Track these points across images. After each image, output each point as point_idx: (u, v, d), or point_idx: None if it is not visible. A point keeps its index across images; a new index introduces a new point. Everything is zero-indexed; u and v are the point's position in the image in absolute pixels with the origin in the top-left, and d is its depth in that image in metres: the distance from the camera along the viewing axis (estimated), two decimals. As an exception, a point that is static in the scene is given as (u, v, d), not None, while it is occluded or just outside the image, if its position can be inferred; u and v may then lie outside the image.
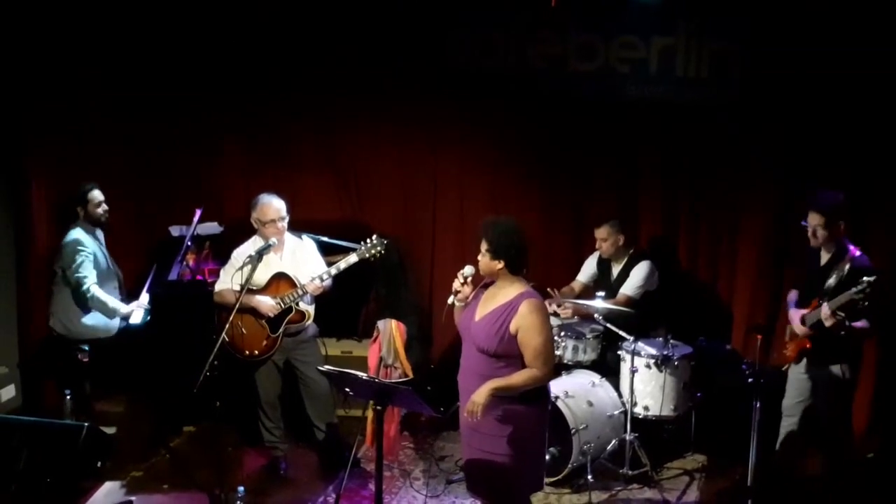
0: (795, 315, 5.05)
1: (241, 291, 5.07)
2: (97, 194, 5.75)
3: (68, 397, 5.67)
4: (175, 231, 6.39)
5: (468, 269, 4.20)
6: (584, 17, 6.23)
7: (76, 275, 5.59)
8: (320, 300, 5.52)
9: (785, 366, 5.12)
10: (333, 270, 5.35)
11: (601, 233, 6.03)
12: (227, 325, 5.03)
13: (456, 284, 4.19)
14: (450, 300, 4.24)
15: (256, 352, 5.37)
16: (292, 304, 5.32)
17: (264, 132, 6.87)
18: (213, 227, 6.46)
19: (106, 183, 6.02)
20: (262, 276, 5.31)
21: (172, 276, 5.97)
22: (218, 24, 6.52)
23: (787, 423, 5.14)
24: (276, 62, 6.67)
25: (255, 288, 5.29)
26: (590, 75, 6.31)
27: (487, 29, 6.40)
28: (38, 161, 6.17)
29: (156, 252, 6.48)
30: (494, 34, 6.40)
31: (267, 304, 5.29)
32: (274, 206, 5.32)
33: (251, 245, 5.37)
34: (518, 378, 3.99)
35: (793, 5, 5.75)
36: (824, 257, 4.95)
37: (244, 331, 5.34)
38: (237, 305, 5.02)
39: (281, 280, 5.36)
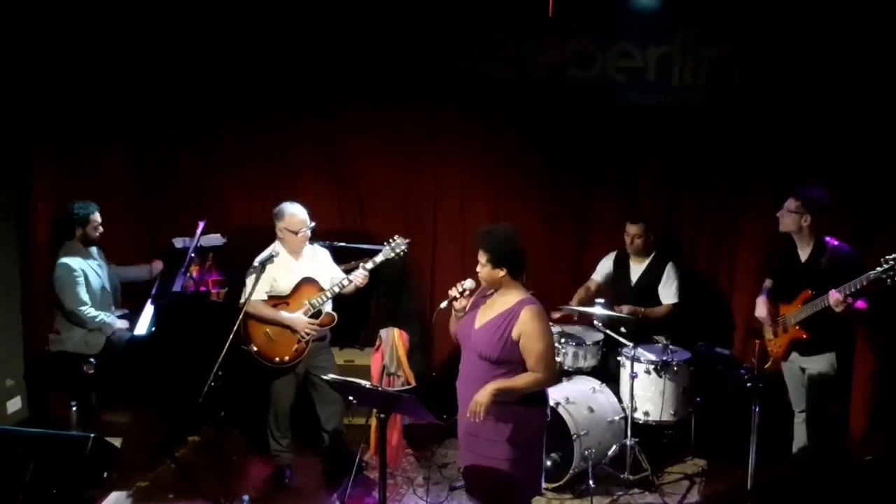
0: (762, 303, 5.22)
1: (244, 302, 5.13)
2: (97, 217, 5.76)
3: (74, 408, 5.71)
4: (178, 243, 6.42)
5: (469, 283, 4.24)
6: (582, 24, 6.27)
7: (70, 303, 5.61)
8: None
9: (768, 363, 5.18)
10: (370, 265, 5.44)
11: (636, 229, 6.05)
12: (242, 335, 5.16)
13: (453, 291, 4.23)
14: (443, 304, 4.28)
15: (286, 358, 5.40)
16: (321, 308, 5.39)
17: (265, 134, 6.88)
18: (216, 239, 6.49)
19: (105, 184, 6.04)
20: (287, 282, 5.39)
21: (176, 287, 5.99)
22: (218, 24, 6.54)
23: (800, 419, 5.22)
24: (276, 62, 6.69)
25: (282, 295, 5.37)
26: (588, 83, 6.34)
27: (488, 32, 6.43)
28: (39, 165, 6.18)
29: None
30: (495, 38, 6.43)
31: (300, 322, 5.36)
32: (300, 216, 5.40)
33: (271, 252, 5.43)
34: (521, 380, 4.04)
35: (792, 8, 5.78)
36: (804, 254, 5.09)
37: (273, 338, 5.38)
38: (240, 317, 5.05)
39: (307, 284, 5.43)
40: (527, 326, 4.04)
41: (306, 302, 5.39)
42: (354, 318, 6.75)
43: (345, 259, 5.79)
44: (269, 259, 5.23)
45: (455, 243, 6.73)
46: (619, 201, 6.51)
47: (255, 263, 5.32)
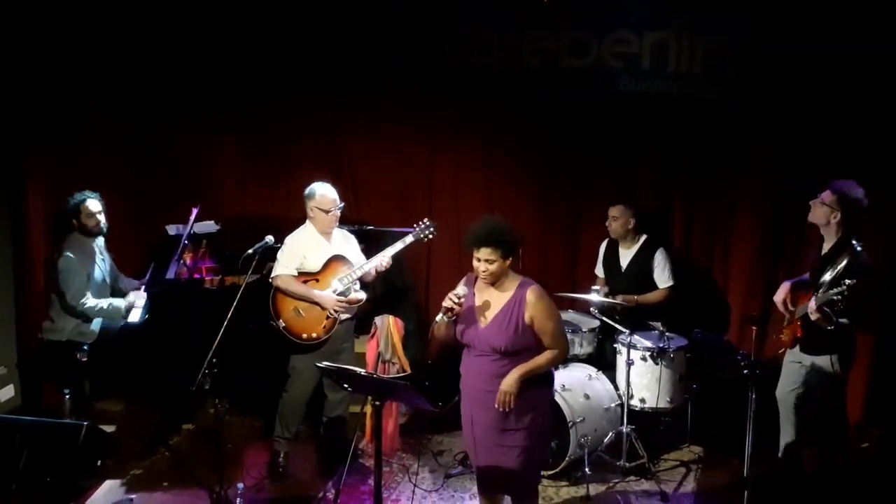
0: (783, 288, 5.12)
1: (241, 293, 5.13)
2: (90, 205, 5.67)
3: (67, 397, 5.68)
4: (172, 230, 6.40)
5: (461, 289, 4.22)
6: (578, 12, 6.24)
7: (71, 297, 5.58)
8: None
9: (781, 349, 5.15)
10: (400, 245, 5.45)
11: (614, 210, 6.07)
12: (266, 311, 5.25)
13: (447, 302, 4.19)
14: (438, 317, 4.23)
15: (314, 335, 5.37)
16: (350, 286, 5.38)
17: (263, 132, 6.89)
18: (209, 226, 6.47)
19: (104, 182, 6.01)
20: (317, 260, 5.38)
21: (170, 274, 5.98)
22: (218, 24, 6.54)
23: (783, 413, 5.18)
24: (276, 62, 6.69)
25: (312, 272, 5.37)
26: (582, 71, 6.32)
27: (486, 27, 6.41)
28: (35, 162, 6.16)
29: (153, 251, 6.48)
30: (492, 33, 6.42)
31: (329, 299, 5.34)
32: (330, 195, 5.41)
33: (302, 231, 5.43)
34: (542, 359, 4.11)
35: (792, 5, 5.76)
36: (826, 246, 4.97)
37: (303, 314, 5.36)
38: (238, 300, 5.02)
39: (336, 262, 5.43)
40: (536, 308, 4.09)
41: (335, 279, 5.38)
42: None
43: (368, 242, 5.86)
44: (264, 244, 5.20)
45: (449, 236, 6.66)
46: (617, 195, 6.46)
47: (289, 241, 5.35)
